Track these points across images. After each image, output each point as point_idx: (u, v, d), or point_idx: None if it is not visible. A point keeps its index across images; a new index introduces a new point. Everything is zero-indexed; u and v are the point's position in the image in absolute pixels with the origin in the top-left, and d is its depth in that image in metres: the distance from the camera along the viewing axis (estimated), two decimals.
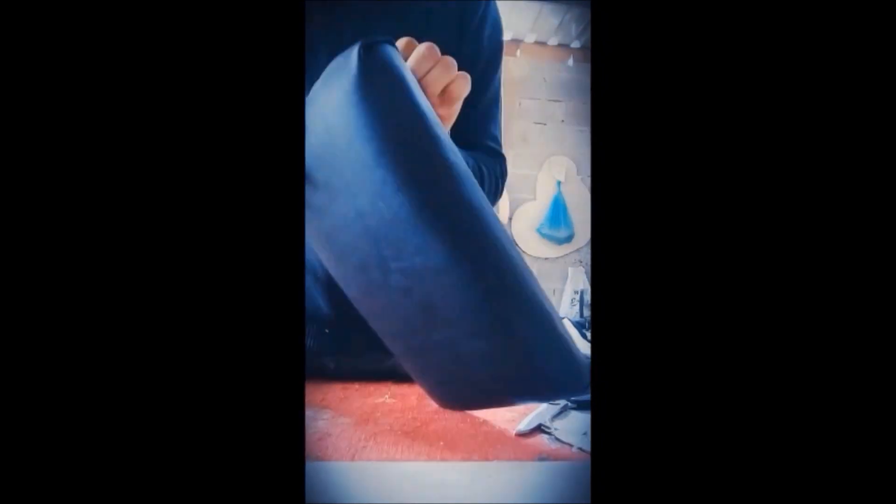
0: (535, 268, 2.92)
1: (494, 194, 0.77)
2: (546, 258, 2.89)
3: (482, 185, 0.72)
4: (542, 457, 0.47)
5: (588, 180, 2.81)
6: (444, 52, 0.70)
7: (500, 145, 0.81)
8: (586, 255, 2.92)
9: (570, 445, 0.50)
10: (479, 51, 0.76)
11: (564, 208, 2.78)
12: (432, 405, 0.60)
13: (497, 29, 0.79)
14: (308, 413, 0.53)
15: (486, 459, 0.46)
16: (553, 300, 2.93)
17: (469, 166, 0.68)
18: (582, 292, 2.78)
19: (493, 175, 0.76)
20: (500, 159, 0.80)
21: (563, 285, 2.90)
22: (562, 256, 2.90)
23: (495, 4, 0.79)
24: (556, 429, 0.53)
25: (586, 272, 2.89)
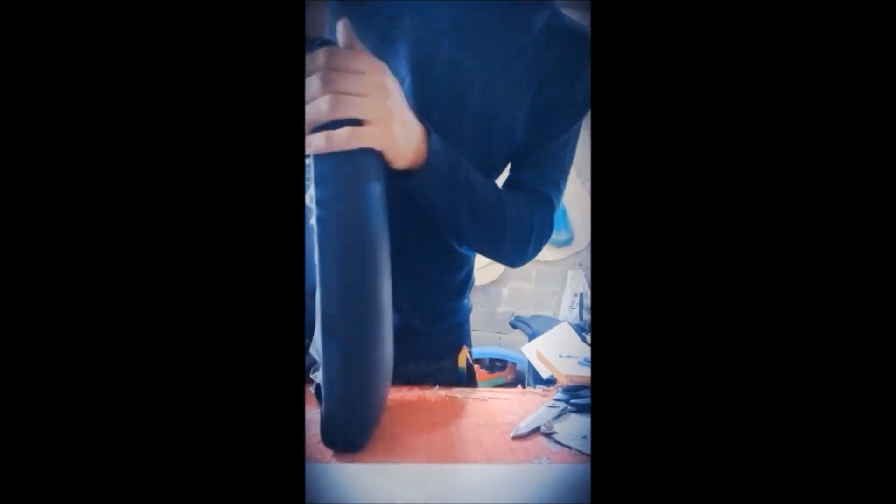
0: (534, 270, 2.92)
1: (526, 243, 0.71)
2: (546, 261, 2.89)
3: (511, 228, 0.66)
4: (542, 459, 0.47)
5: (588, 183, 2.80)
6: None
7: (557, 196, 0.75)
8: (586, 259, 2.91)
9: (570, 448, 0.50)
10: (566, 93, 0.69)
11: (564, 211, 2.78)
12: (431, 407, 0.60)
13: (585, 68, 0.70)
14: (308, 415, 0.53)
15: (485, 462, 0.46)
16: (552, 303, 2.93)
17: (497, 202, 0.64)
18: (581, 295, 2.78)
19: (533, 225, 0.70)
20: (549, 210, 0.73)
21: (563, 288, 2.90)
22: (561, 259, 2.90)
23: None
24: (555, 432, 0.53)
25: (586, 275, 2.89)
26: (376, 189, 0.50)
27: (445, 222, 0.65)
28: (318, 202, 0.45)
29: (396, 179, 0.57)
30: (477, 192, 0.63)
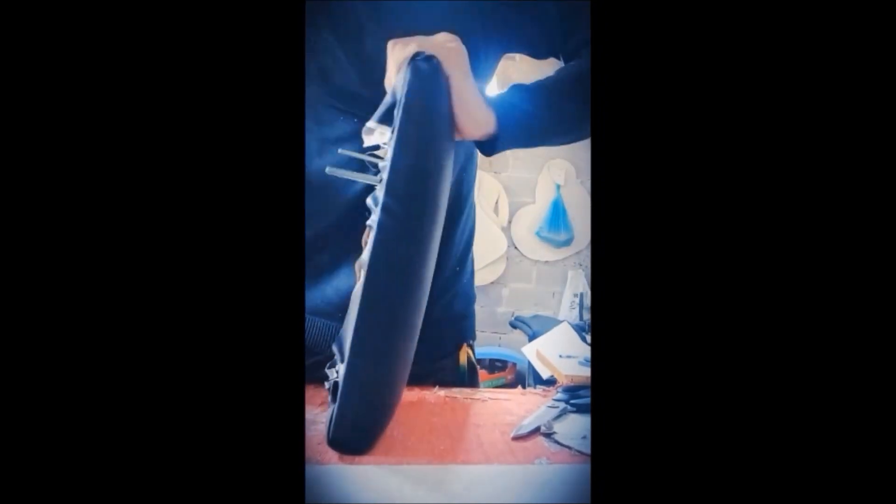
0: (534, 271, 2.92)
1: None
2: (545, 261, 2.89)
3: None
4: (542, 460, 0.47)
5: (587, 184, 2.80)
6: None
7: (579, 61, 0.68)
8: (586, 259, 2.91)
9: (569, 448, 0.50)
10: None
11: (564, 211, 2.77)
12: (430, 408, 0.60)
13: None
14: (308, 416, 0.53)
15: (485, 462, 0.46)
16: (552, 303, 2.93)
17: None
18: (581, 295, 2.78)
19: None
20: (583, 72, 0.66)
21: (563, 288, 2.90)
22: (561, 259, 2.90)
23: None
24: (555, 432, 0.53)
25: (586, 275, 2.89)
26: (441, 204, 0.50)
27: (566, 137, 0.67)
28: (384, 207, 0.45)
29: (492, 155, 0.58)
30: (560, 94, 0.62)
